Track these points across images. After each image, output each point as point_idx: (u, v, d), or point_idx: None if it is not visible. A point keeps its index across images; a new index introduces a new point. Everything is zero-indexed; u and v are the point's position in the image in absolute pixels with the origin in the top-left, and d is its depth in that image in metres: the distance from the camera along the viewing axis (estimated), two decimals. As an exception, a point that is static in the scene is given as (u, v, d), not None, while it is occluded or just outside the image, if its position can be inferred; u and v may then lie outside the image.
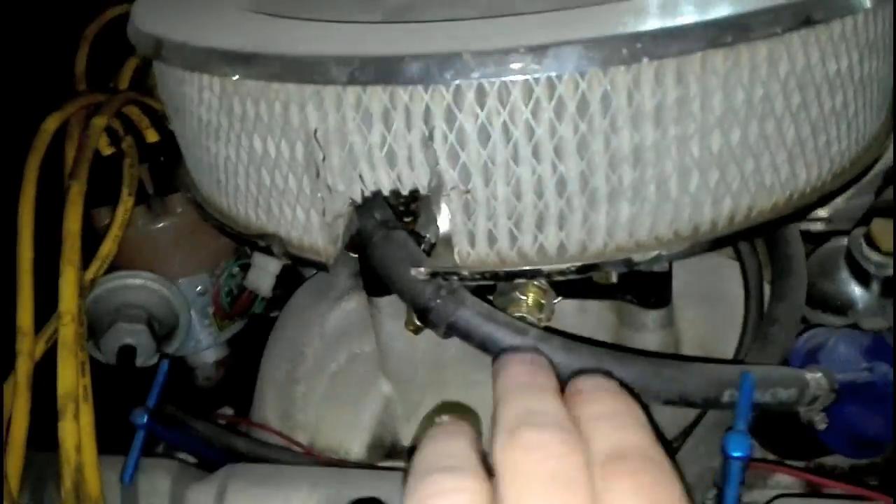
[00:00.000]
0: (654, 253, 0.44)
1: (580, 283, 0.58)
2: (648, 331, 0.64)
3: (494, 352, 0.46)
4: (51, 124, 0.62)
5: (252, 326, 0.86)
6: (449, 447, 0.30)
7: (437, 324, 0.46)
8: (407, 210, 0.49)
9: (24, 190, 0.58)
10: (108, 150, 0.71)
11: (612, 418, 0.31)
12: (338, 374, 0.71)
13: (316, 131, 0.43)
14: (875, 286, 0.64)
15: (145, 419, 0.49)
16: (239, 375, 0.85)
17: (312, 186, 0.45)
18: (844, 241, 0.69)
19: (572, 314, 0.65)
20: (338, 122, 0.42)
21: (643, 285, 0.61)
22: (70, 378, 0.51)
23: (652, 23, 0.38)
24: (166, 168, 0.76)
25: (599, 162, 0.41)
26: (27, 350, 0.54)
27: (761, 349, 0.54)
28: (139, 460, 0.50)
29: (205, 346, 0.82)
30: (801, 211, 0.47)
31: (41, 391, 0.57)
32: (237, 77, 0.43)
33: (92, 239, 0.68)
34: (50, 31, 0.79)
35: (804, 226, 0.65)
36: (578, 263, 0.44)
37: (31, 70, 0.74)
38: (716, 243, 0.45)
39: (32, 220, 0.57)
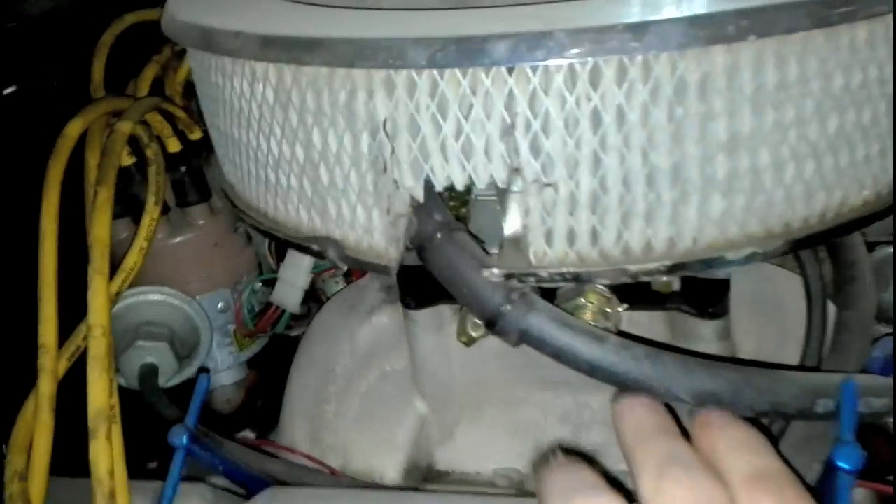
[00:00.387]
0: (748, 251, 0.41)
1: (635, 291, 0.56)
2: (705, 342, 0.61)
3: (570, 361, 0.42)
4: (73, 129, 0.58)
5: (272, 346, 0.82)
6: (581, 475, 0.34)
7: (509, 331, 0.43)
8: (457, 214, 0.47)
9: (46, 196, 0.54)
10: (128, 160, 0.68)
11: (747, 446, 0.34)
12: (369, 394, 0.67)
13: (385, 122, 0.40)
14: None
15: (185, 440, 0.45)
16: (259, 397, 0.81)
17: (377, 183, 0.42)
18: (891, 249, 0.67)
19: (621, 327, 0.62)
20: (410, 110, 0.39)
21: (702, 294, 0.58)
22: (102, 395, 0.46)
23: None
24: (188, 179, 0.72)
25: (693, 151, 0.38)
26: (50, 367, 0.50)
27: (837, 358, 0.52)
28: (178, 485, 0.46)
29: (224, 366, 0.77)
30: (889, 209, 0.44)
31: (62, 412, 0.53)
32: (296, 66, 0.40)
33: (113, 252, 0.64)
34: (67, 38, 0.75)
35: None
36: (668, 262, 0.41)
37: (49, 78, 0.71)
38: (809, 241, 0.42)
39: (56, 228, 0.53)
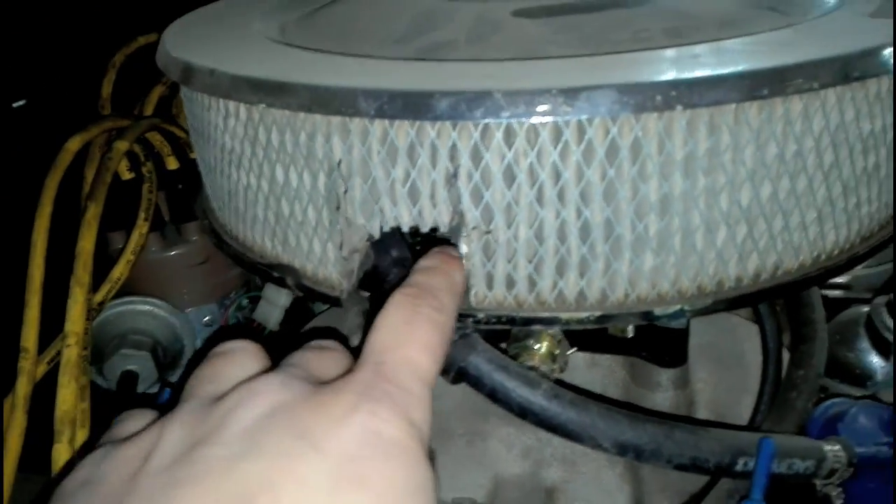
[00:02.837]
0: (677, 307, 0.43)
1: (594, 335, 0.57)
2: (662, 390, 0.62)
3: (503, 402, 0.44)
4: (73, 144, 0.62)
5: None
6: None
7: (447, 369, 0.45)
8: (423, 250, 0.49)
9: (40, 207, 0.57)
10: (127, 175, 0.71)
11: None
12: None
13: (339, 163, 0.43)
14: (896, 357, 0.62)
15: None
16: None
17: (332, 219, 0.45)
18: (865, 309, 0.68)
19: (583, 368, 0.64)
20: (363, 154, 0.42)
21: (659, 342, 0.59)
22: (69, 401, 0.49)
23: (687, 71, 0.38)
24: (184, 196, 0.76)
25: (626, 209, 0.40)
26: (28, 369, 0.53)
27: (778, 416, 0.53)
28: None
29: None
30: (828, 273, 0.46)
31: (41, 413, 0.55)
32: (264, 105, 0.43)
33: (106, 262, 0.68)
34: (80, 55, 0.80)
35: (822, 292, 0.64)
36: (598, 313, 0.43)
37: (60, 92, 0.75)
38: (740, 301, 0.44)
39: (46, 238, 0.56)
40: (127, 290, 0.71)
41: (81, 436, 0.51)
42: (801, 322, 0.58)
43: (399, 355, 0.33)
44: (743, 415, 0.60)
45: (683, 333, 0.59)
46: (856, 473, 0.46)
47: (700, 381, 0.64)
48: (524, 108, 0.37)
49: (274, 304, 0.73)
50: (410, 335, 0.34)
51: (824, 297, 0.63)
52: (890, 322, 0.64)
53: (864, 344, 0.67)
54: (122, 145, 0.64)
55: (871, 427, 0.53)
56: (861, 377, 0.66)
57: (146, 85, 0.81)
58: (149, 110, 0.76)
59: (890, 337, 0.64)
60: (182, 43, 0.52)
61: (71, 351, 0.50)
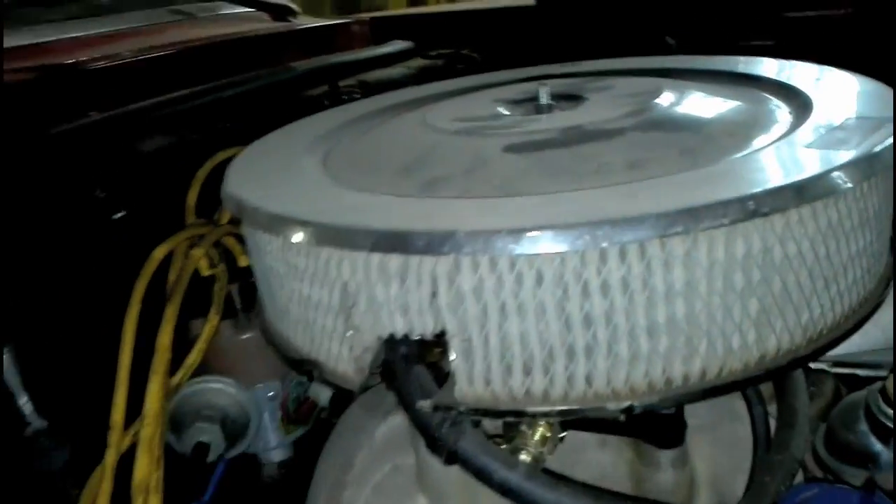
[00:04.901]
0: (627, 403, 0.50)
1: (598, 418, 0.64)
2: (663, 469, 0.68)
3: (486, 481, 0.52)
4: (159, 252, 0.75)
5: (316, 433, 0.95)
6: None
7: (440, 452, 0.53)
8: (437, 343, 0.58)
9: (130, 308, 0.71)
10: (207, 272, 0.85)
11: None
12: (381, 484, 0.77)
13: (347, 283, 0.53)
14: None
15: (200, 512, 0.59)
16: (303, 477, 0.94)
17: (344, 325, 0.55)
18: (865, 393, 0.71)
19: (593, 447, 0.70)
20: (364, 277, 0.52)
21: (655, 424, 0.65)
22: (144, 471, 0.61)
23: (619, 208, 0.47)
24: (253, 288, 0.88)
25: (575, 321, 0.49)
26: (115, 443, 0.65)
27: (752, 497, 0.58)
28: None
29: (273, 445, 0.92)
30: (773, 372, 0.52)
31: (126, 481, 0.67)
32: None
33: (187, 346, 0.81)
34: (170, 171, 0.95)
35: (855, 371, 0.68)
36: (561, 407, 0.51)
37: (156, 204, 0.90)
38: (689, 397, 0.51)
39: (134, 333, 0.69)
40: (207, 368, 0.83)
41: (154, 500, 0.63)
42: (785, 408, 0.63)
43: None
44: (738, 492, 0.65)
45: (677, 417, 0.65)
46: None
47: (700, 458, 0.69)
48: (482, 245, 0.47)
49: (324, 385, 0.84)
50: None
51: (855, 377, 0.68)
52: (886, 408, 0.67)
53: (865, 427, 0.70)
54: (198, 252, 0.77)
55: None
56: (863, 460, 0.69)
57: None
58: (225, 218, 0.90)
59: (887, 422, 0.67)
60: (238, 180, 0.65)
61: (147, 430, 0.62)
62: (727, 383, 0.51)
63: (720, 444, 0.69)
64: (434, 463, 0.73)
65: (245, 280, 0.89)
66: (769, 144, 0.57)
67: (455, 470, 0.72)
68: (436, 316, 0.51)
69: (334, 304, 0.55)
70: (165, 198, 0.90)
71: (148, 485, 0.61)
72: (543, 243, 0.46)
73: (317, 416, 0.92)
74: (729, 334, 0.50)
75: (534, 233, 0.46)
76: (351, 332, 0.55)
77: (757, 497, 0.57)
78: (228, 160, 0.97)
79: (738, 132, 0.61)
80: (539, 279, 0.48)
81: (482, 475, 0.52)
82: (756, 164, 0.53)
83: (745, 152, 0.56)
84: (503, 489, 0.52)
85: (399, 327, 0.53)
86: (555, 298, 0.48)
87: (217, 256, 0.82)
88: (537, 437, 0.58)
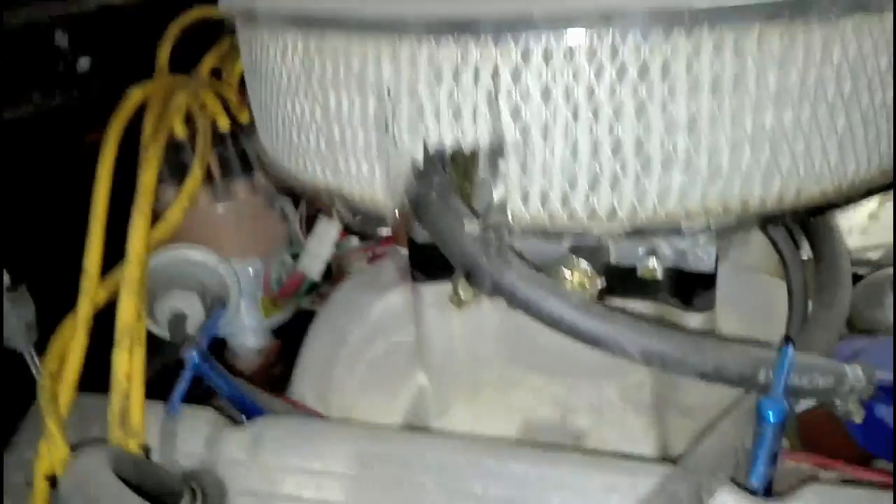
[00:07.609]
0: (703, 223, 0.45)
1: (625, 279, 0.60)
2: (688, 336, 0.65)
3: (536, 313, 0.47)
4: (136, 94, 0.66)
5: (296, 321, 0.88)
6: None
7: (483, 283, 0.47)
8: (464, 177, 0.52)
9: (105, 147, 0.62)
10: (181, 133, 0.76)
11: None
12: (376, 362, 0.72)
13: (388, 87, 0.46)
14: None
15: (196, 356, 0.51)
16: (278, 365, 0.87)
17: (380, 141, 0.48)
18: (890, 271, 0.70)
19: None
20: (410, 77, 0.45)
21: (688, 285, 0.61)
22: (130, 314, 0.53)
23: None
24: (233, 155, 0.80)
25: (655, 127, 0.43)
26: (90, 290, 0.57)
27: (802, 350, 0.55)
28: (184, 395, 0.52)
29: (250, 329, 0.84)
30: (848, 199, 0.48)
31: (99, 341, 0.59)
32: (321, 37, 0.47)
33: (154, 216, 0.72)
34: (139, 27, 0.85)
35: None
36: (628, 227, 0.45)
37: (123, 60, 0.80)
38: (764, 220, 0.46)
39: (111, 173, 0.61)
40: (179, 241, 0.75)
41: (139, 352, 0.55)
42: (824, 266, 0.60)
43: None
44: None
45: (711, 277, 0.61)
46: (876, 394, 0.48)
47: (727, 332, 0.66)
48: (561, 28, 0.41)
49: (317, 256, 0.77)
50: None
51: (857, 276, 0.65)
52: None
53: (890, 300, 0.69)
54: (181, 98, 0.68)
55: (890, 360, 0.55)
56: (888, 333, 0.68)
57: (198, 56, 0.85)
58: (204, 71, 0.81)
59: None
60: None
61: (131, 269, 0.54)
62: (805, 208, 0.47)
63: (749, 316, 0.66)
64: (439, 337, 0.67)
65: (224, 145, 0.80)
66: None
67: (459, 345, 0.68)
68: (494, 121, 0.45)
69: (369, 116, 0.48)
70: (135, 53, 0.80)
71: (133, 330, 0.53)
72: (633, 23, 0.40)
73: (300, 298, 0.84)
74: (814, 151, 0.46)
75: (624, 12, 0.40)
76: (387, 148, 0.48)
77: (806, 342, 0.54)
78: (204, 20, 0.88)
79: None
80: (622, 72, 0.42)
81: (531, 307, 0.47)
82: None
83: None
84: (555, 321, 0.46)
85: (448, 137, 0.47)
86: (636, 98, 0.43)
87: (199, 110, 0.73)
88: (576, 282, 0.53)
